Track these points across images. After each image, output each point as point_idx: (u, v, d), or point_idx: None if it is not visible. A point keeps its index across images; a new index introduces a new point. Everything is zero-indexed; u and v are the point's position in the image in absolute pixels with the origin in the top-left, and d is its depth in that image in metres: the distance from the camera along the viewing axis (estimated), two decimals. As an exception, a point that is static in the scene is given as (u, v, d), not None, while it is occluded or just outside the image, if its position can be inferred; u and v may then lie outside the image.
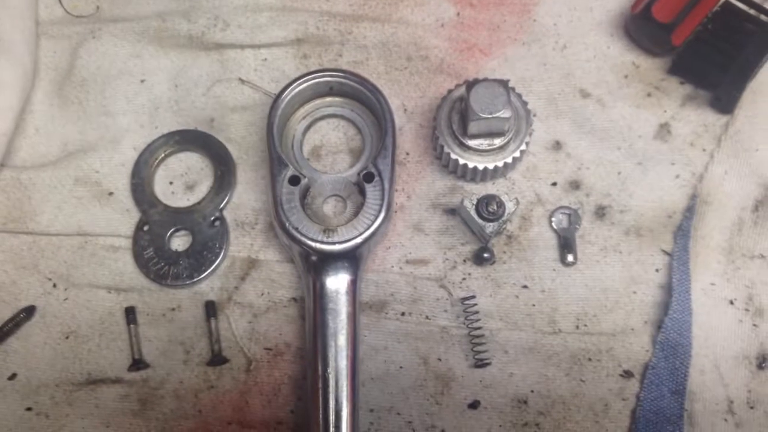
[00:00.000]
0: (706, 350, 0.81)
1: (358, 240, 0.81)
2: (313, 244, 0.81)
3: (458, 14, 0.96)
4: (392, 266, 0.87)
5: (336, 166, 0.91)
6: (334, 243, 0.81)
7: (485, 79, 0.82)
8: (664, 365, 0.80)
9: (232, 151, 0.91)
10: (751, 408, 0.80)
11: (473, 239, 0.88)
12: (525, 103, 0.86)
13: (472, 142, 0.85)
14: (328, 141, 0.92)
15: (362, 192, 0.85)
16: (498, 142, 0.84)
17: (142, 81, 0.94)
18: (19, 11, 0.94)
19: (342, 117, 0.92)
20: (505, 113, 0.80)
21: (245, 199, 0.90)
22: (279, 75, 0.94)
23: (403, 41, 0.95)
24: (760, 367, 0.81)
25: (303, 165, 0.88)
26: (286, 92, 0.87)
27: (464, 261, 0.87)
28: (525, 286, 0.86)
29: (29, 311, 0.86)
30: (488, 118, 0.80)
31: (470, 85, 0.82)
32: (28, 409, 0.83)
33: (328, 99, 0.91)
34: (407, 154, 0.91)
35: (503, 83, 0.81)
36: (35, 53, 0.94)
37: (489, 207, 0.83)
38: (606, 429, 0.80)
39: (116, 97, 0.94)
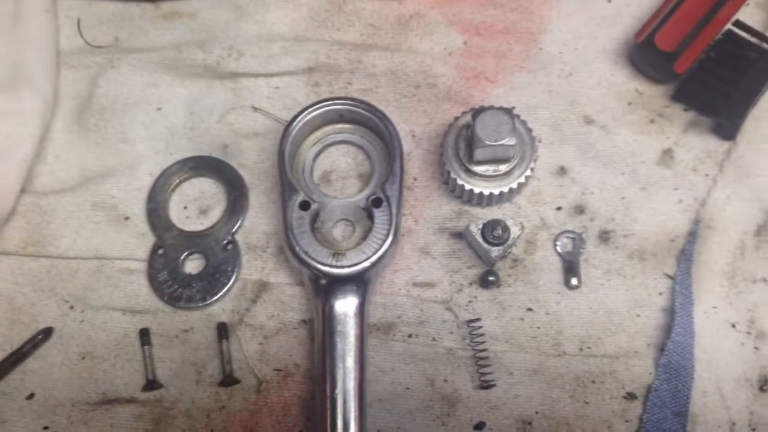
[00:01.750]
0: (708, 373, 0.82)
1: (367, 264, 0.83)
2: (322, 267, 0.83)
3: (465, 43, 0.99)
4: (400, 289, 0.89)
5: (345, 191, 0.93)
6: (342, 267, 0.83)
7: (490, 107, 0.84)
8: (667, 387, 0.81)
9: (244, 177, 0.94)
10: (753, 430, 0.81)
11: (479, 263, 0.89)
12: (530, 130, 0.88)
13: (478, 168, 0.87)
14: (338, 166, 0.94)
15: (371, 216, 0.87)
16: (503, 168, 0.86)
17: (159, 109, 0.97)
18: (41, 42, 0.97)
19: (351, 143, 0.95)
20: (510, 140, 0.83)
21: (257, 223, 0.92)
22: (291, 102, 0.97)
23: (411, 69, 0.98)
24: (761, 389, 0.82)
25: (313, 190, 0.90)
26: (297, 120, 0.89)
27: (470, 284, 0.89)
28: (530, 309, 0.87)
29: (47, 332, 0.88)
30: (493, 145, 0.82)
31: (476, 113, 0.84)
32: (45, 428, 0.85)
33: (338, 126, 0.94)
34: (415, 179, 0.93)
35: (508, 111, 0.84)
36: (56, 82, 0.97)
37: (494, 232, 0.85)
38: (610, 451, 0.82)
39: (133, 125, 0.97)
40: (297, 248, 0.83)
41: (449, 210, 0.92)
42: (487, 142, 0.82)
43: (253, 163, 0.95)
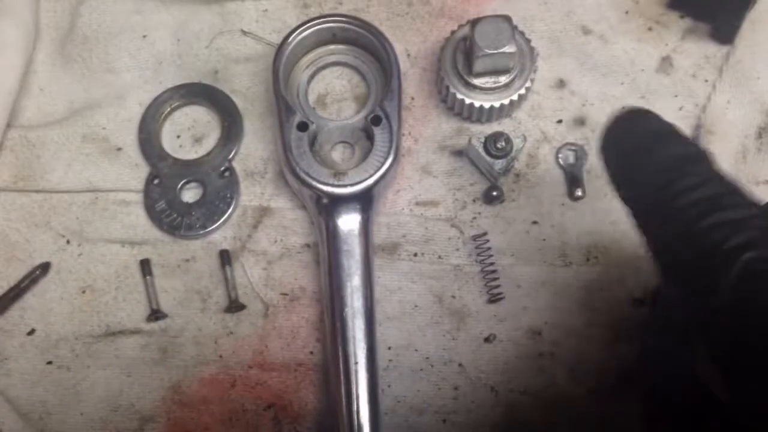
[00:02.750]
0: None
1: (369, 181, 0.82)
2: (324, 187, 0.81)
3: (457, -43, 0.96)
4: (402, 209, 0.88)
5: (342, 114, 0.91)
6: (345, 185, 0.82)
7: (489, 16, 0.82)
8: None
9: (237, 103, 0.92)
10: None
11: (482, 179, 0.88)
12: (528, 41, 0.87)
13: (477, 81, 0.85)
14: (333, 89, 0.92)
15: (370, 137, 0.86)
16: (503, 79, 0.85)
17: (144, 37, 0.94)
18: (19, -29, 0.93)
19: (345, 64, 0.93)
20: (510, 48, 0.81)
21: (253, 149, 0.91)
22: (280, 25, 0.94)
23: (403, -14, 0.95)
24: None
25: (309, 113, 0.88)
26: (291, 38, 0.87)
27: (474, 200, 0.88)
28: (535, 222, 0.87)
29: (44, 267, 0.86)
30: (493, 53, 0.81)
31: (474, 22, 0.82)
32: (49, 362, 0.84)
33: (331, 47, 0.92)
34: (412, 98, 0.92)
35: (507, 19, 0.82)
36: (36, 12, 0.94)
37: (497, 144, 0.84)
38: (619, 355, 0.82)
39: (119, 54, 0.94)
40: (297, 169, 0.82)
41: (449, 128, 0.90)
42: (487, 51, 0.81)
43: (245, 89, 0.92)
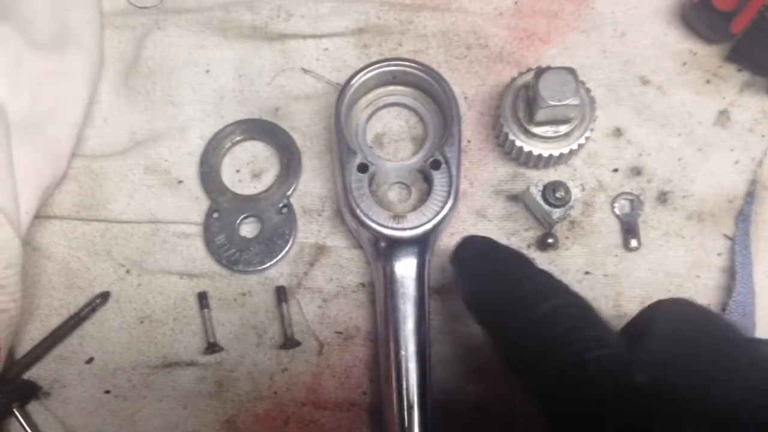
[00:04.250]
0: (770, 332, 0.83)
1: (428, 226, 0.83)
2: (383, 230, 0.83)
3: (516, 2, 0.97)
4: (457, 252, 0.89)
5: (399, 154, 0.93)
6: (404, 229, 0.83)
7: (554, 67, 0.83)
8: (731, 347, 0.82)
9: (296, 140, 0.93)
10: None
11: (536, 225, 0.89)
12: (588, 91, 0.88)
13: (537, 130, 0.86)
14: (391, 129, 0.93)
15: (426, 179, 0.87)
16: (564, 129, 0.86)
17: (207, 71, 0.96)
18: (85, 1, 0.95)
19: (403, 105, 0.94)
20: (574, 100, 0.82)
21: (311, 186, 0.92)
22: (340, 64, 0.96)
23: (462, 30, 0.97)
24: (826, 348, 0.83)
25: (368, 153, 0.89)
26: (353, 81, 0.88)
27: (528, 246, 0.89)
28: (588, 272, 0.87)
29: (104, 297, 0.88)
30: (557, 105, 0.82)
31: (539, 72, 0.83)
32: (107, 392, 0.85)
33: (390, 88, 0.93)
34: (469, 141, 0.93)
35: (571, 71, 0.83)
36: (101, 43, 0.96)
37: (556, 193, 0.84)
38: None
39: (182, 88, 0.95)
40: (358, 211, 0.83)
41: (504, 172, 0.91)
42: (550, 102, 0.82)
43: (305, 126, 0.94)
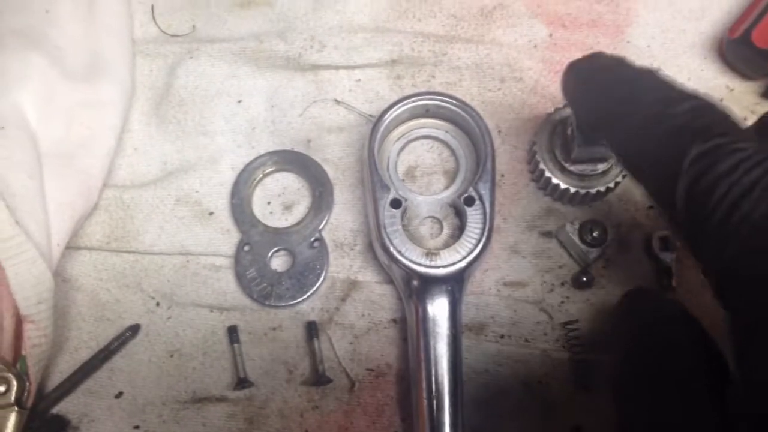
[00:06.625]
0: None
1: (462, 264, 0.82)
2: (417, 267, 0.82)
3: (551, 35, 0.97)
4: (490, 288, 0.88)
5: (431, 188, 0.92)
6: (438, 267, 0.82)
7: (592, 106, 0.82)
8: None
9: (328, 172, 0.92)
10: None
11: (570, 262, 0.88)
12: (625, 128, 0.86)
13: (574, 168, 0.85)
14: (423, 162, 0.93)
15: (459, 214, 0.86)
16: (601, 167, 0.85)
17: (239, 101, 0.95)
18: (117, 29, 0.95)
19: (436, 138, 0.93)
20: (614, 141, 0.81)
21: (343, 220, 0.91)
22: (373, 96, 0.95)
23: (496, 62, 0.96)
24: None
25: (399, 186, 0.88)
26: (386, 116, 0.87)
27: (562, 284, 0.88)
28: (623, 310, 0.86)
29: (134, 329, 0.87)
30: (596, 145, 0.81)
31: (577, 111, 0.82)
32: (136, 427, 0.84)
33: (423, 120, 0.92)
34: (502, 175, 0.92)
35: (611, 110, 0.82)
36: (133, 72, 0.95)
37: (593, 233, 0.84)
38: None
39: (214, 118, 0.95)
40: (391, 248, 0.82)
41: (538, 207, 0.90)
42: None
43: (337, 158, 0.93)
